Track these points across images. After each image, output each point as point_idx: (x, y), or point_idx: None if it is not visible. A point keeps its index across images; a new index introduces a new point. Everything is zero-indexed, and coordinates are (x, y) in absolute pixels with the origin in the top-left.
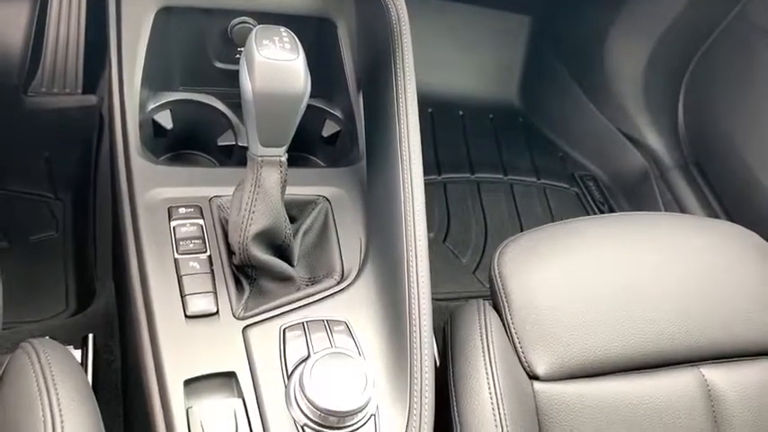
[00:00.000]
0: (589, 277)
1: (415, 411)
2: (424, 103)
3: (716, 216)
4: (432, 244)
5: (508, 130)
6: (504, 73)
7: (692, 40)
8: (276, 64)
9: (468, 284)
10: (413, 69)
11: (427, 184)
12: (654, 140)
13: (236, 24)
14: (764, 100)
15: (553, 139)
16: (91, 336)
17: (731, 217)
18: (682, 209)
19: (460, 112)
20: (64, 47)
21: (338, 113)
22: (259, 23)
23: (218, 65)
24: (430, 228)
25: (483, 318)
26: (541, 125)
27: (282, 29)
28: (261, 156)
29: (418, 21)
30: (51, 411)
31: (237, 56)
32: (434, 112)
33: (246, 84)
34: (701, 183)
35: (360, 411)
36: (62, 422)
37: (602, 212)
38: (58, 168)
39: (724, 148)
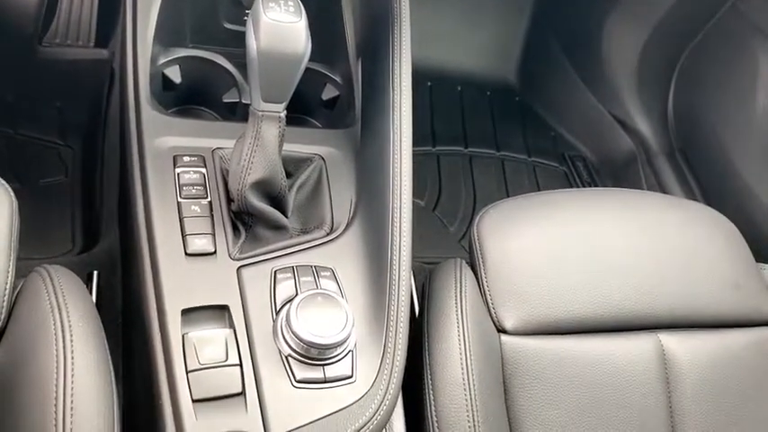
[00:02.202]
0: (561, 244)
1: (389, 350)
2: (425, 76)
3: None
4: (422, 212)
5: (504, 108)
6: (504, 52)
7: (685, 31)
8: (280, 25)
9: (454, 251)
10: (409, 42)
11: (421, 155)
12: (643, 126)
13: None
14: (749, 93)
15: (547, 119)
16: (96, 273)
17: (709, 203)
18: (664, 192)
19: (459, 88)
20: (79, 0)
21: (338, 79)
22: None
23: (227, 26)
24: (421, 196)
25: (458, 273)
26: (536, 105)
27: None
28: (262, 110)
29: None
30: (62, 326)
31: (245, 18)
32: (433, 85)
33: (252, 43)
34: (685, 169)
35: (339, 346)
36: (71, 336)
37: None
38: (68, 117)
39: (708, 138)
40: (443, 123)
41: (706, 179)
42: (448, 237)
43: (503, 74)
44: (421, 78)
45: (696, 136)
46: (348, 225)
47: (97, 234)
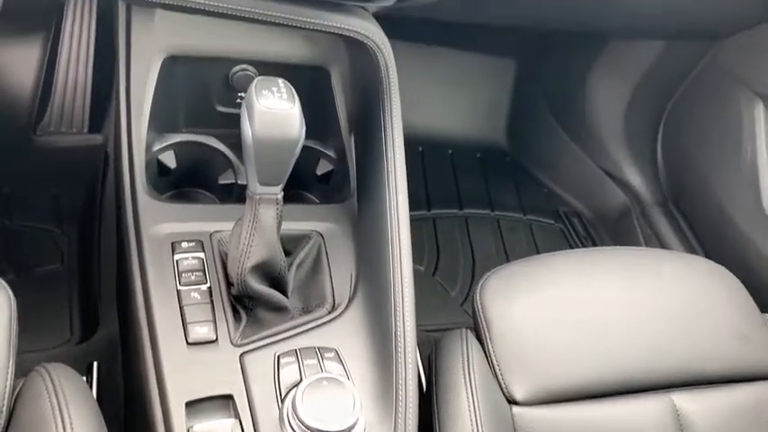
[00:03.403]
0: (566, 308)
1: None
2: (415, 141)
3: (694, 252)
4: (421, 277)
5: (495, 168)
6: (492, 114)
7: (668, 83)
8: (274, 112)
9: (456, 316)
10: (400, 113)
11: (417, 220)
12: (634, 179)
13: (237, 71)
14: (735, 143)
15: (538, 177)
16: (95, 364)
17: (708, 253)
18: (661, 244)
19: (449, 151)
20: (72, 88)
21: (331, 153)
22: (258, 71)
23: (220, 108)
24: (420, 261)
25: (465, 346)
26: (527, 163)
27: (280, 80)
28: (258, 194)
29: (408, 65)
30: (64, 428)
31: (238, 100)
32: (425, 150)
33: (247, 129)
34: (680, 220)
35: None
36: None
37: (584, 246)
38: (64, 204)
39: (700, 188)
40: (437, 187)
41: (702, 229)
42: (450, 301)
43: (492, 134)
44: (411, 144)
45: (688, 186)
46: (350, 301)
47: (95, 322)
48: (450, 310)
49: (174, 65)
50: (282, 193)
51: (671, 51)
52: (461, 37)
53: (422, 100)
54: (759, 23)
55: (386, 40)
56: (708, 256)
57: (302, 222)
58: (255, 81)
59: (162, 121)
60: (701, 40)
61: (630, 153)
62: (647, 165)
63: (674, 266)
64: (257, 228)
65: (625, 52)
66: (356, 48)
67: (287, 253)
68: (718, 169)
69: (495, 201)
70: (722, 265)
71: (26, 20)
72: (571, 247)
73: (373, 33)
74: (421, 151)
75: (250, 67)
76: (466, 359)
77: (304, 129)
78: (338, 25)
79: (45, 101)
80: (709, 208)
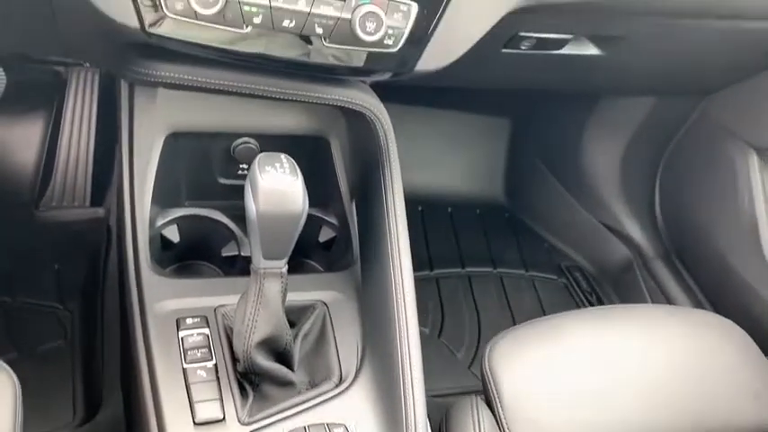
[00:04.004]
0: (576, 371)
1: None
2: (414, 201)
3: (699, 304)
4: (427, 339)
5: (495, 225)
6: (489, 170)
7: (661, 137)
8: (277, 189)
9: (465, 379)
10: (400, 179)
11: (420, 280)
12: (634, 232)
13: (239, 144)
14: (732, 194)
15: (539, 232)
16: None
17: (714, 304)
18: (666, 297)
19: (449, 209)
20: (74, 162)
21: (333, 220)
22: (259, 143)
23: (222, 181)
24: (425, 323)
25: (476, 415)
26: (527, 219)
27: (283, 156)
28: (263, 268)
29: (404, 126)
30: None
31: (240, 172)
32: (424, 209)
33: (251, 206)
34: (683, 272)
35: None
36: None
37: (589, 302)
38: (66, 279)
39: (701, 239)
40: (438, 246)
41: (706, 280)
42: (456, 364)
43: (490, 191)
44: (411, 203)
45: (688, 238)
46: (357, 373)
47: (99, 401)
48: (458, 373)
49: (176, 140)
50: (287, 266)
51: (661, 106)
52: (455, 98)
53: (419, 160)
54: (747, 78)
55: (383, 108)
56: (713, 308)
57: (306, 292)
58: (258, 158)
59: (164, 196)
60: (690, 96)
61: (629, 206)
62: (647, 217)
63: (685, 324)
64: (262, 302)
65: (617, 108)
66: (355, 117)
67: (291, 324)
68: (717, 220)
69: (497, 258)
70: (728, 316)
71: (29, 98)
72: (575, 303)
73: (371, 103)
74: (421, 210)
75: (251, 140)
76: (477, 429)
77: (307, 203)
78: (337, 97)
79: (47, 176)
80: (712, 259)
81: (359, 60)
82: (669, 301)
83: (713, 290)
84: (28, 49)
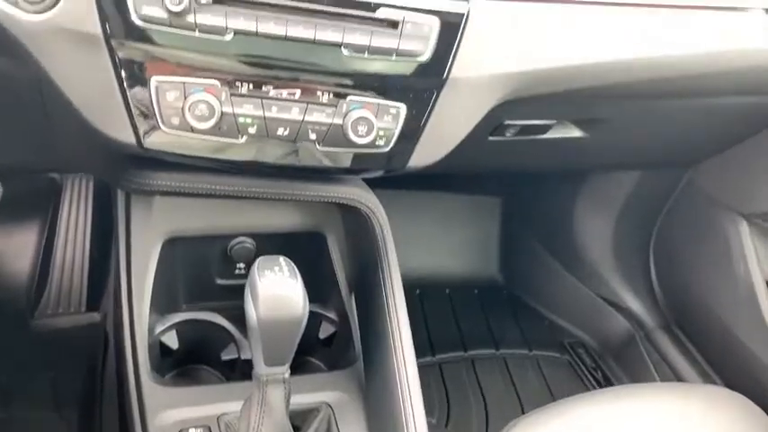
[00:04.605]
0: None
1: None
2: (412, 285)
3: (707, 375)
4: (434, 430)
5: (494, 304)
6: (484, 250)
7: (651, 208)
8: (277, 294)
9: None
10: (398, 271)
11: (423, 367)
12: (633, 304)
13: (236, 244)
14: (726, 263)
15: (538, 309)
16: None
17: (722, 375)
18: (672, 369)
19: (447, 291)
20: (70, 269)
21: (333, 316)
22: (256, 242)
23: (220, 281)
24: (431, 413)
25: None
26: (525, 296)
27: (281, 258)
28: (266, 375)
29: (396, 210)
30: None
31: (237, 271)
32: (422, 292)
33: (251, 313)
34: (686, 342)
35: None
36: None
37: (595, 379)
38: (63, 388)
39: (700, 309)
40: (438, 329)
41: (710, 350)
42: None
43: (487, 270)
44: (408, 287)
45: (688, 307)
46: None
47: None
48: None
49: (173, 245)
50: (289, 371)
51: (647, 179)
52: (445, 180)
53: (414, 243)
54: (729, 147)
55: (377, 202)
56: (722, 379)
57: (309, 394)
58: (257, 262)
59: (162, 302)
60: (674, 168)
61: (625, 278)
62: (644, 288)
63: (699, 402)
64: (266, 410)
65: (605, 182)
66: (350, 212)
67: (296, 429)
68: (714, 289)
69: (499, 338)
70: (737, 387)
71: (24, 205)
72: (581, 380)
73: (365, 198)
74: (419, 294)
75: (248, 239)
76: None
77: (308, 306)
78: (331, 194)
79: (42, 283)
80: (714, 329)
81: (351, 161)
82: (675, 373)
83: (719, 360)
84: (25, 163)
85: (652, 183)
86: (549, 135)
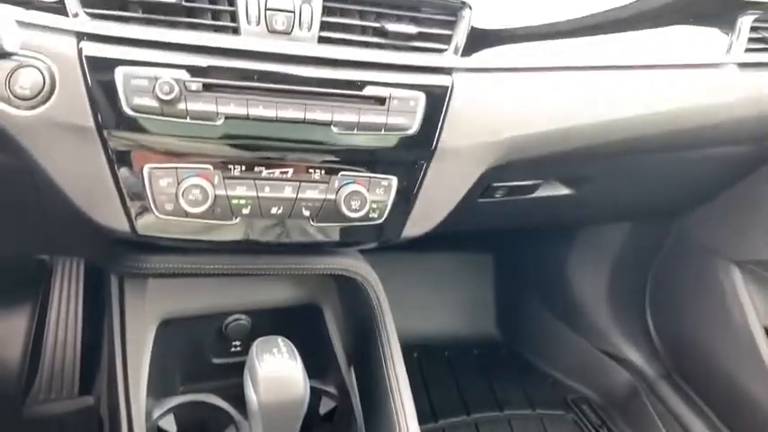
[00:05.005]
0: None
1: None
2: (409, 348)
3: (713, 425)
4: None
5: (494, 363)
6: (479, 308)
7: (643, 258)
8: (277, 377)
9: None
10: (397, 340)
11: None
12: (633, 355)
13: (231, 322)
14: (723, 312)
15: (539, 365)
16: None
17: (725, 421)
18: (677, 420)
19: (446, 353)
20: (61, 352)
21: (333, 390)
22: (251, 318)
23: (216, 361)
24: None
25: None
26: (525, 353)
27: (280, 339)
28: None
29: (390, 273)
30: None
31: (233, 349)
32: (420, 355)
33: (252, 396)
34: (689, 391)
35: None
36: None
37: None
38: None
39: (701, 358)
40: (439, 393)
41: (714, 399)
42: None
43: (484, 328)
44: (406, 351)
45: (688, 357)
46: None
47: None
48: None
49: (168, 327)
50: None
51: (639, 229)
52: (434, 240)
53: (407, 305)
54: (716, 196)
55: (372, 272)
56: (723, 423)
57: None
58: (255, 345)
59: (159, 385)
60: (663, 218)
61: (623, 330)
62: (643, 339)
63: None
64: None
65: (596, 234)
66: (345, 283)
67: None
68: (713, 337)
69: (502, 399)
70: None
71: (14, 288)
72: None
73: (360, 268)
74: (417, 357)
75: (243, 316)
76: None
77: (309, 386)
78: (326, 266)
79: (34, 369)
80: (715, 377)
81: (346, 235)
82: (681, 424)
83: (724, 409)
84: (16, 247)
85: (644, 233)
86: (538, 194)
